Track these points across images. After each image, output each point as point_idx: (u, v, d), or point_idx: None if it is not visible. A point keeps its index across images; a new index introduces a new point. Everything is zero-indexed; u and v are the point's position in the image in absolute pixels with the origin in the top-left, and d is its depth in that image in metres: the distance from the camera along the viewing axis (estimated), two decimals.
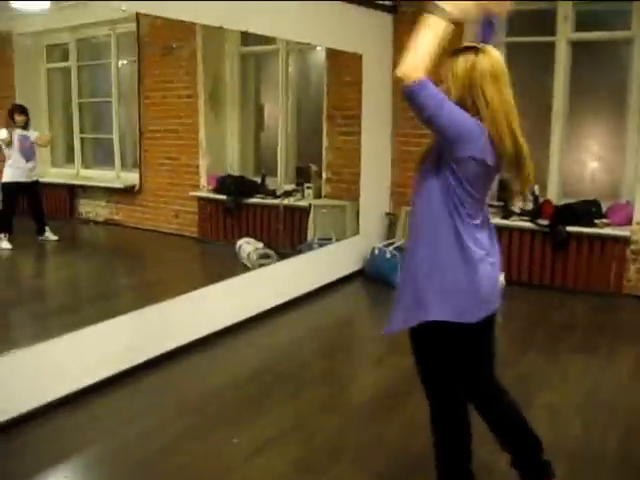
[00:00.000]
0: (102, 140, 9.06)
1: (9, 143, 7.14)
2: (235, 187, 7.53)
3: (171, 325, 4.64)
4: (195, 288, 4.97)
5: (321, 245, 6.64)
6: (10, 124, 7.18)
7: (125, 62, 8.61)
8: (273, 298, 5.68)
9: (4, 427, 3.55)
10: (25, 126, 7.25)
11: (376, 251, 6.71)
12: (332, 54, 6.93)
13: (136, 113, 8.16)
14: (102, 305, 5.38)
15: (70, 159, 9.30)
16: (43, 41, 9.36)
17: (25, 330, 4.92)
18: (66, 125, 9.16)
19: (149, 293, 5.61)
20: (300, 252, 6.63)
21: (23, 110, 7.31)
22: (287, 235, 7.09)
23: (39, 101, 8.53)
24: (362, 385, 4.38)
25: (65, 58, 9.30)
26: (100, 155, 9.11)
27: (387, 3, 6.90)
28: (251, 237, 6.94)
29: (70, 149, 9.29)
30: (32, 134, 7.33)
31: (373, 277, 6.67)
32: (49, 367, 3.86)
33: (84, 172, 9.05)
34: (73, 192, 8.74)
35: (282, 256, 6.41)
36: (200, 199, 7.64)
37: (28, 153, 7.30)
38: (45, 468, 3.29)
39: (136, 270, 6.77)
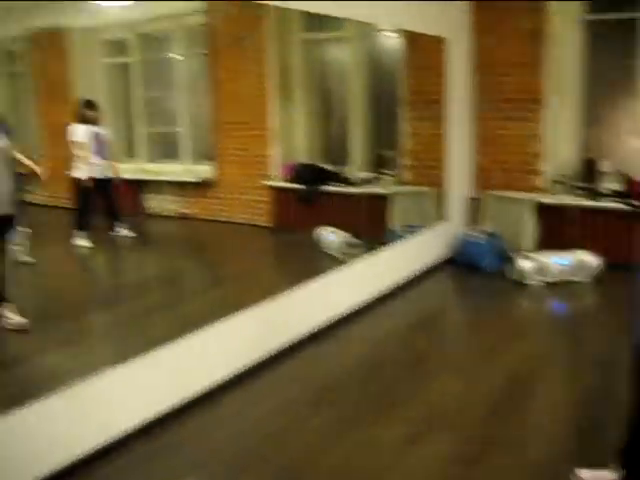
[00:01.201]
0: (167, 134, 9.03)
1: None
2: (309, 175, 7.46)
3: (285, 319, 4.60)
4: (293, 282, 4.91)
5: (407, 233, 6.56)
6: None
7: (191, 55, 8.54)
8: (371, 290, 5.63)
9: (145, 429, 3.53)
10: (96, 122, 7.23)
11: (465, 237, 6.63)
12: (410, 38, 6.82)
13: (205, 105, 8.11)
14: (208, 302, 5.33)
15: (134, 154, 9.29)
16: (100, 36, 9.34)
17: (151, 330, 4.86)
18: (128, 119, 9.15)
19: (253, 288, 5.54)
20: (386, 241, 6.56)
21: (94, 106, 7.29)
22: (368, 223, 7.00)
23: (98, 96, 8.49)
24: (487, 373, 4.30)
25: (124, 53, 9.29)
26: (165, 149, 9.08)
27: None
28: (328, 226, 6.88)
29: (133, 144, 9.28)
30: (104, 130, 7.31)
31: (464, 263, 6.59)
32: (182, 366, 3.85)
33: (149, 166, 9.02)
34: (140, 187, 8.73)
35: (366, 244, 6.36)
36: (273, 188, 7.58)
37: (101, 150, 7.28)
38: (188, 469, 3.25)
39: (227, 263, 6.69)
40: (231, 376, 4.14)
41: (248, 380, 4.17)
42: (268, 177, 7.57)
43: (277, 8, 7.08)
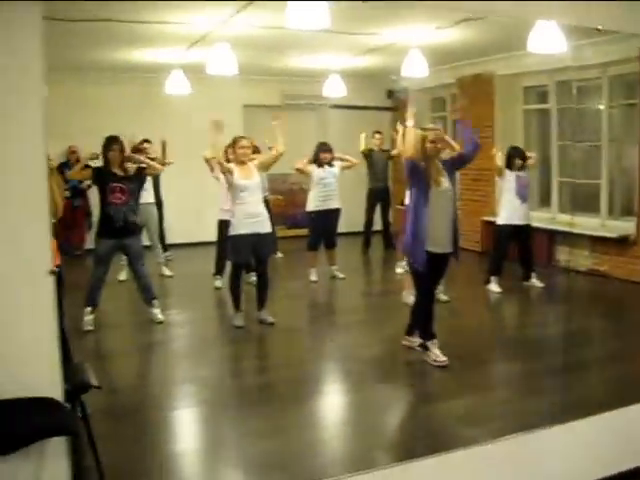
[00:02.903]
0: (582, 185, 8.73)
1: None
2: None
3: None
4: None
5: None
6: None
7: (617, 105, 8.17)
8: None
9: None
10: (522, 167, 7.27)
11: None
12: None
13: (630, 158, 7.69)
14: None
15: (545, 202, 9.15)
16: (521, 82, 9.42)
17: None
18: (543, 167, 9.06)
19: None
20: None
21: (522, 155, 7.33)
22: None
23: (515, 141, 8.54)
24: None
25: (543, 100, 9.23)
26: (581, 200, 8.78)
27: None
28: None
29: (546, 192, 9.15)
30: (526, 175, 7.32)
31: None
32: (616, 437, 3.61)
33: (561, 217, 8.80)
34: (551, 238, 8.55)
35: None
36: None
37: (524, 194, 7.27)
38: None
39: None
40: None
41: None
42: None
43: None
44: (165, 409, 4.34)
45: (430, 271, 4.85)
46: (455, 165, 5.02)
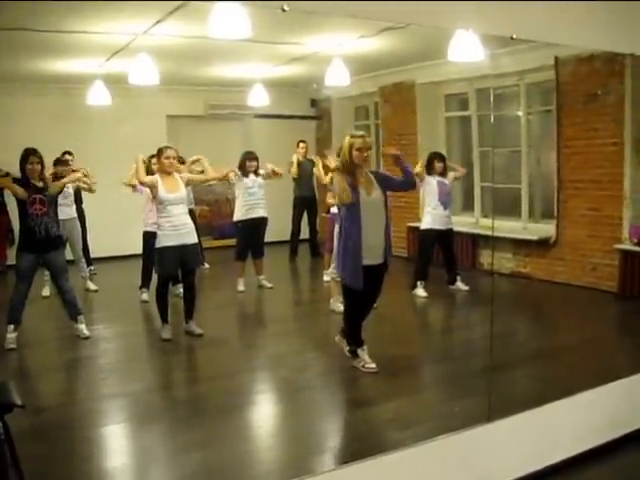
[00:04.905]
0: (504, 190, 8.94)
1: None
2: None
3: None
4: None
5: None
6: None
7: (534, 111, 8.42)
8: None
9: None
10: (443, 173, 7.42)
11: None
12: None
13: (549, 163, 7.93)
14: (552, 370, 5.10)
15: (468, 207, 9.33)
16: (442, 90, 9.60)
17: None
18: (467, 172, 9.23)
19: (597, 362, 5.18)
20: None
21: (442, 158, 7.51)
22: None
23: (438, 147, 8.70)
24: None
25: (463, 107, 9.43)
26: (501, 205, 8.99)
27: None
28: None
29: (468, 197, 9.33)
30: (447, 182, 7.46)
31: None
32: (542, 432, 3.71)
33: (484, 221, 9.00)
34: (475, 242, 8.73)
35: None
36: (622, 252, 7.10)
37: (446, 200, 7.42)
38: None
39: (565, 330, 6.31)
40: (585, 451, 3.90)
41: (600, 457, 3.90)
42: (618, 240, 7.13)
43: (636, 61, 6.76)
44: (94, 426, 4.24)
45: (365, 285, 4.75)
46: (388, 185, 4.92)
